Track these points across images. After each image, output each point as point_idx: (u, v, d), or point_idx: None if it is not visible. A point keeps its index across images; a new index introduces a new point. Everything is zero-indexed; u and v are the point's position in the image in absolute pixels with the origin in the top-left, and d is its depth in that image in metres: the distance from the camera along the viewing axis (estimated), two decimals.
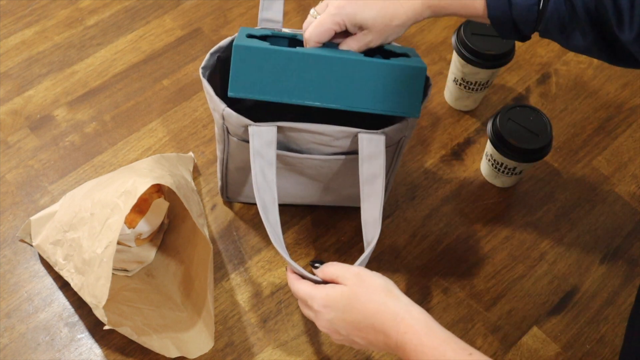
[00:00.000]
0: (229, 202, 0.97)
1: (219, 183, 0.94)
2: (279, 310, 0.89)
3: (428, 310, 0.90)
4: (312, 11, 0.81)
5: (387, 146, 0.82)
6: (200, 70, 0.82)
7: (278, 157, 0.82)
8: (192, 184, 0.95)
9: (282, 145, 0.82)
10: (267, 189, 0.76)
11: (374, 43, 0.79)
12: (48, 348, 0.84)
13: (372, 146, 0.79)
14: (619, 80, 1.14)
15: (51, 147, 1.00)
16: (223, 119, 0.80)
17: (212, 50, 0.84)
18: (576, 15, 0.71)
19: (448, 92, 1.07)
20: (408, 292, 0.91)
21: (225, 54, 0.85)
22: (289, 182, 0.88)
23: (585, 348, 0.89)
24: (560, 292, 0.93)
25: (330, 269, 0.73)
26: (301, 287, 0.74)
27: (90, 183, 0.88)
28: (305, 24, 0.82)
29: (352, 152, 0.83)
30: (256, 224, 0.95)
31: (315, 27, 0.78)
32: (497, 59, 0.98)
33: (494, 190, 1.01)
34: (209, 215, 0.96)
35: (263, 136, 0.77)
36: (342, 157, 0.83)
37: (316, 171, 0.86)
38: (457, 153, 1.04)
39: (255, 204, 0.95)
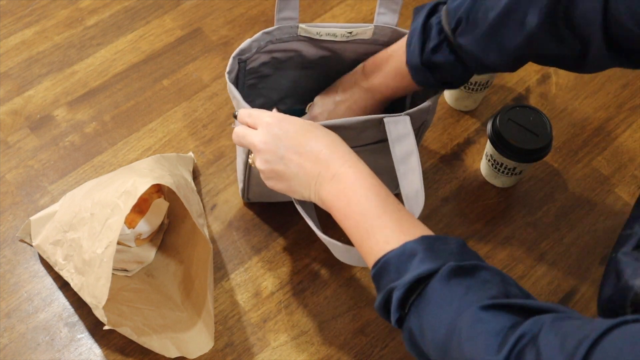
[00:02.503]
0: (249, 203, 0.97)
1: (240, 185, 0.94)
2: (279, 310, 0.89)
3: None
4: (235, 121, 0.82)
5: None
6: (227, 75, 0.82)
7: None
8: (192, 184, 0.95)
9: None
10: None
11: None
12: (48, 348, 0.84)
13: (399, 128, 0.79)
14: (619, 81, 1.14)
15: (51, 147, 1.00)
16: None
17: (234, 53, 0.83)
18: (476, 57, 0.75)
19: (448, 92, 1.07)
20: None
21: (246, 55, 0.85)
22: None
23: None
24: (560, 292, 0.93)
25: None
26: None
27: (90, 183, 0.88)
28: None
29: (378, 142, 0.83)
30: (256, 224, 0.95)
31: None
32: None
33: (494, 190, 1.01)
34: (209, 215, 0.96)
35: None
36: (369, 147, 0.83)
37: None
38: (457, 153, 1.04)
39: (271, 203, 0.96)
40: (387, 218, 0.65)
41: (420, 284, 0.60)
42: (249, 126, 0.74)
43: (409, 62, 0.78)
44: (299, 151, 0.70)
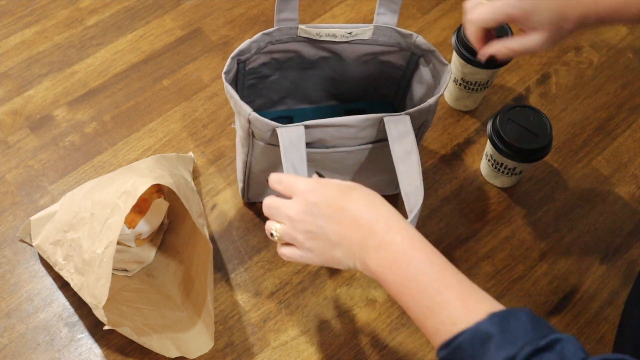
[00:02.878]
0: (249, 203, 0.97)
1: (240, 185, 0.94)
2: (279, 310, 0.89)
3: None
4: None
5: None
6: (223, 76, 0.82)
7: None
8: (192, 184, 0.95)
9: (308, 144, 0.82)
10: None
11: (538, 46, 0.75)
12: (48, 348, 0.84)
13: (399, 127, 0.80)
14: (619, 80, 1.14)
15: (51, 147, 1.00)
16: (249, 123, 0.80)
17: (232, 54, 0.83)
18: None
19: (448, 92, 1.07)
20: None
21: (245, 56, 0.85)
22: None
23: (585, 348, 0.89)
24: (560, 292, 0.93)
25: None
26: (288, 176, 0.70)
27: (90, 183, 0.88)
28: (469, 4, 0.78)
29: (377, 141, 0.83)
30: (256, 224, 0.95)
31: (485, 12, 0.75)
32: (497, 59, 0.97)
33: (494, 190, 1.01)
34: (209, 215, 0.96)
35: (292, 136, 0.78)
36: (368, 146, 0.83)
37: (341, 164, 0.86)
38: (457, 153, 1.04)
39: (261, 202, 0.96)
40: (449, 294, 0.59)
41: None
42: (280, 194, 0.69)
43: None
44: (339, 218, 0.64)
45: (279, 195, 0.70)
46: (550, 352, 0.54)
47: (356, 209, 0.64)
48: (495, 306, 0.58)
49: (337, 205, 0.64)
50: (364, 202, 0.64)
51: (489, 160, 0.98)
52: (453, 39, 0.99)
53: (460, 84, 1.03)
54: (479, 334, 0.56)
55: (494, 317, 0.56)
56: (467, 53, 0.97)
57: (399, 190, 0.78)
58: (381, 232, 0.62)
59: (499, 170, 0.97)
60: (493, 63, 0.97)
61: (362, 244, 0.63)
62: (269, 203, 0.69)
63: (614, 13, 0.73)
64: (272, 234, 0.69)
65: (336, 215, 0.64)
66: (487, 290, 0.92)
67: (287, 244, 0.69)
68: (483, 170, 1.02)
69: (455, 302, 0.58)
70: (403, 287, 0.61)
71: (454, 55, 1.01)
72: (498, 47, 0.78)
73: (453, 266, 0.61)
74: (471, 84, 1.01)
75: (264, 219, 0.96)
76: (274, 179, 0.70)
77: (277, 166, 0.86)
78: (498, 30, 0.95)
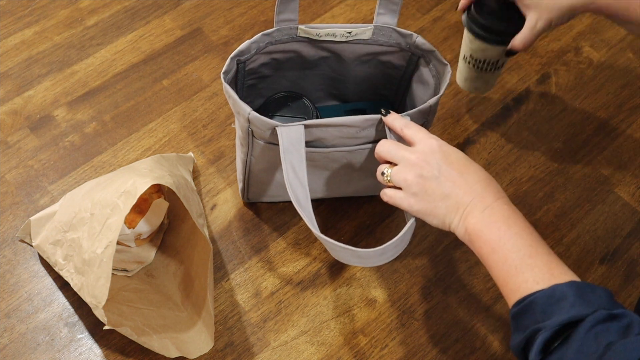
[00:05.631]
0: (249, 203, 0.97)
1: (240, 185, 0.94)
2: (279, 310, 0.89)
3: (428, 310, 0.90)
4: None
5: None
6: (222, 76, 0.82)
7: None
8: (192, 184, 0.95)
9: (307, 143, 0.82)
10: (299, 186, 0.77)
11: (540, 25, 0.82)
12: (48, 348, 0.84)
13: None
14: (619, 81, 1.14)
15: (51, 147, 1.00)
16: (249, 122, 0.80)
17: (232, 54, 0.83)
18: None
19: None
20: (408, 292, 0.91)
21: (245, 57, 0.85)
22: (313, 177, 0.89)
23: None
24: None
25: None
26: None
27: (90, 183, 0.88)
28: None
29: (377, 141, 0.83)
30: (256, 224, 0.95)
31: None
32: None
33: None
34: (209, 215, 0.96)
35: (292, 135, 0.78)
36: (367, 146, 0.83)
37: (340, 164, 0.86)
38: None
39: (271, 203, 0.96)
40: (538, 259, 0.63)
41: (567, 328, 0.58)
42: (400, 137, 0.74)
43: None
44: (454, 175, 0.68)
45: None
46: (619, 322, 0.57)
47: (473, 176, 0.69)
48: (578, 279, 0.62)
49: (458, 166, 0.69)
50: (481, 174, 0.69)
51: (468, 62, 0.96)
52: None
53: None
54: (555, 293, 0.59)
55: (573, 283, 0.60)
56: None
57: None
58: (490, 199, 0.67)
59: (481, 68, 0.96)
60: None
61: (471, 203, 0.67)
62: (386, 143, 0.73)
63: (611, 14, 0.79)
64: (383, 173, 0.73)
65: (455, 172, 0.69)
66: (487, 290, 0.92)
67: (393, 187, 0.72)
68: (460, 79, 1.00)
69: (543, 266, 0.62)
70: (497, 245, 0.65)
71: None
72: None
73: (547, 244, 0.66)
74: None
75: (264, 219, 0.96)
76: (401, 122, 0.74)
77: (277, 166, 0.86)
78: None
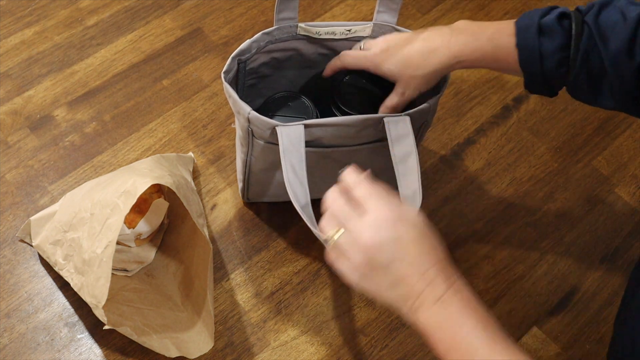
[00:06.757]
0: (249, 203, 0.97)
1: (240, 185, 0.94)
2: (279, 310, 0.89)
3: None
4: (361, 42, 0.85)
5: None
6: (222, 75, 0.82)
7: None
8: (192, 184, 0.95)
9: (307, 143, 0.82)
10: (299, 186, 0.77)
11: (408, 94, 0.82)
12: (48, 348, 0.84)
13: (399, 128, 0.80)
14: None
15: (51, 147, 1.00)
16: (249, 122, 0.80)
17: (233, 54, 0.83)
18: (604, 69, 0.70)
19: None
20: None
21: (246, 56, 0.85)
22: (313, 177, 0.89)
23: (585, 348, 0.89)
24: (560, 292, 0.93)
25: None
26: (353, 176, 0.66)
27: (90, 183, 0.88)
28: (346, 52, 0.86)
29: (377, 141, 0.83)
30: (256, 224, 0.95)
31: (351, 57, 0.85)
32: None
33: (494, 190, 1.01)
34: (209, 215, 0.96)
35: (292, 135, 0.78)
36: (367, 146, 0.84)
37: (340, 164, 0.86)
38: (457, 153, 1.04)
39: (271, 203, 0.96)
40: (497, 353, 0.59)
41: None
42: (349, 194, 0.66)
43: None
44: (408, 263, 0.61)
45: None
46: None
47: (428, 257, 0.62)
48: None
49: (414, 246, 0.62)
50: (437, 254, 0.63)
51: None
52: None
53: None
54: None
55: None
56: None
57: (398, 191, 0.78)
58: (442, 288, 0.61)
59: None
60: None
61: (422, 294, 0.61)
62: (337, 205, 0.65)
63: (482, 66, 0.77)
64: (326, 240, 0.65)
65: (407, 257, 0.62)
66: (488, 290, 0.92)
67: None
68: None
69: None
70: (452, 346, 0.60)
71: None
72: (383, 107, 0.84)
73: (503, 330, 0.61)
74: None
75: (264, 219, 0.96)
76: (350, 176, 0.67)
77: (277, 165, 0.86)
78: None
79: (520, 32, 0.73)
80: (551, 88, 0.75)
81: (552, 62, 0.72)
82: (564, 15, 0.72)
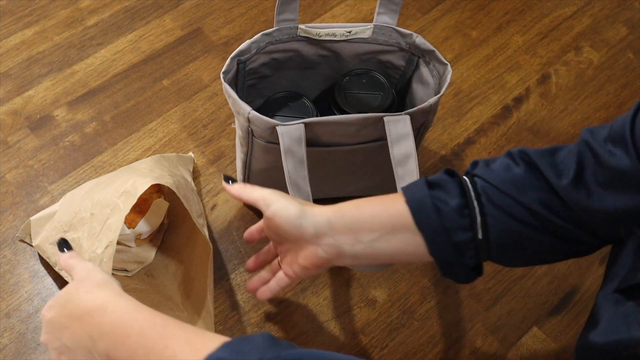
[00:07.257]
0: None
1: None
2: (278, 310, 0.89)
3: (428, 310, 0.90)
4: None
5: None
6: (222, 75, 0.82)
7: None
8: (192, 184, 0.95)
9: (307, 142, 0.82)
10: (299, 185, 0.77)
11: (288, 272, 0.73)
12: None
13: (399, 127, 0.79)
14: (619, 80, 1.14)
15: (51, 147, 1.00)
16: (249, 121, 0.80)
17: (232, 54, 0.84)
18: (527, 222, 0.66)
19: None
20: (408, 292, 0.91)
21: (245, 57, 0.85)
22: (313, 177, 0.89)
23: None
24: (560, 292, 0.93)
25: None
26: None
27: (90, 183, 0.88)
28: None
29: (377, 140, 0.83)
30: None
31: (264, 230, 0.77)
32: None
33: None
34: (209, 215, 0.96)
35: (292, 134, 0.78)
36: (367, 145, 0.84)
37: (340, 163, 0.86)
38: (457, 153, 1.04)
39: None
40: (174, 344, 0.57)
41: None
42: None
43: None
44: (68, 323, 0.62)
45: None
46: None
47: (79, 306, 0.62)
48: (227, 339, 0.57)
49: (67, 312, 0.62)
50: (86, 296, 0.62)
51: None
52: None
53: None
54: None
55: (226, 345, 0.56)
56: None
57: (398, 191, 0.78)
58: (98, 318, 0.60)
59: None
60: None
61: (90, 337, 0.60)
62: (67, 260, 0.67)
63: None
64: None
65: (65, 326, 0.62)
66: (487, 290, 0.92)
67: None
68: None
69: (183, 347, 0.57)
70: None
71: None
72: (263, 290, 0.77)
73: (178, 320, 0.60)
74: None
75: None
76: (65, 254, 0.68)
77: (277, 165, 0.86)
78: None
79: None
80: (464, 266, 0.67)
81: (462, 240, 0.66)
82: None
